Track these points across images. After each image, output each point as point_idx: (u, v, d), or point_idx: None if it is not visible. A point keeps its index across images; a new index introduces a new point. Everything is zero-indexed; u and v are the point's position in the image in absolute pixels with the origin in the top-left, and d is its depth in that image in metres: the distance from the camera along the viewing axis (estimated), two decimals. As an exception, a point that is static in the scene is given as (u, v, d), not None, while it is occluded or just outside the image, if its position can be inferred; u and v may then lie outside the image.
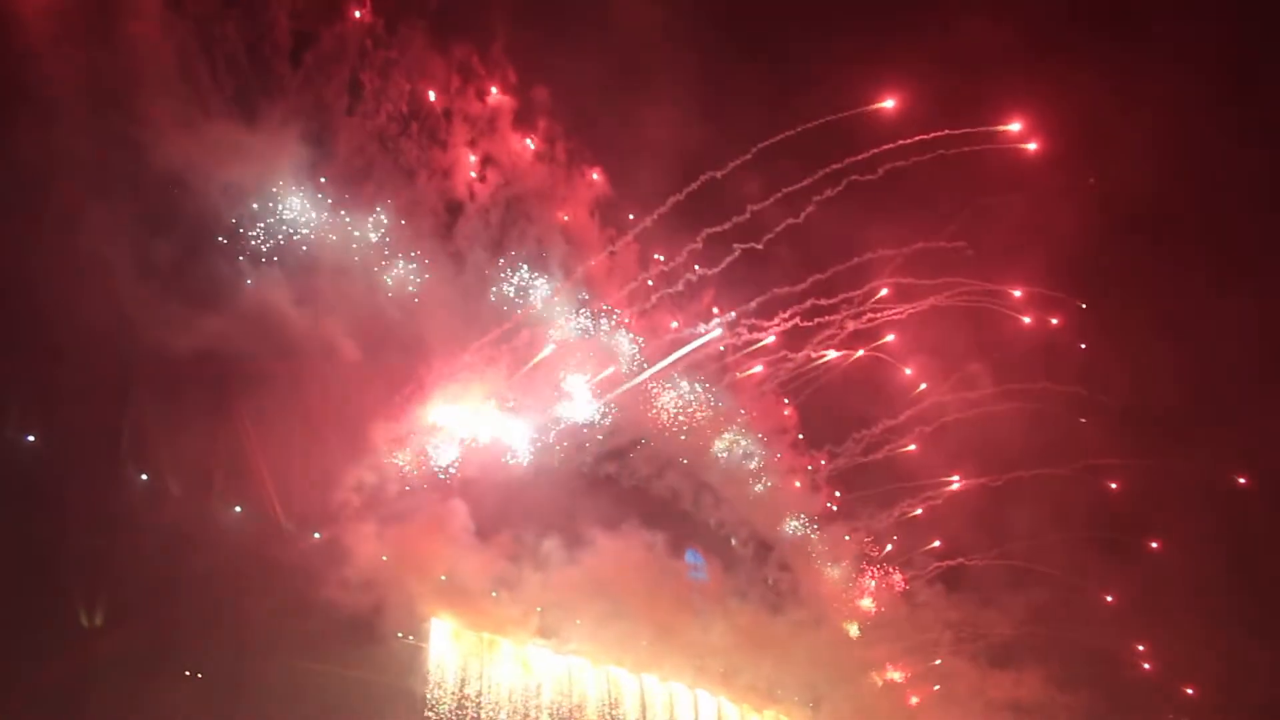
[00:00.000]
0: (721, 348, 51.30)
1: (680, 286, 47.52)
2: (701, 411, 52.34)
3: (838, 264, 50.17)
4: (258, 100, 39.32)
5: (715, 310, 50.04)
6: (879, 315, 52.39)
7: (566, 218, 46.53)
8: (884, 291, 51.10)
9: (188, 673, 36.77)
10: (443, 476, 42.36)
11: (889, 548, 62.19)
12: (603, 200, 46.37)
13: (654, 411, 50.54)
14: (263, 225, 40.33)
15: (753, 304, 48.83)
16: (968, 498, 62.56)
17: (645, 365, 48.85)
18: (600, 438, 48.16)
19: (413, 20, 41.96)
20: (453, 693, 42.10)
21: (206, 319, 36.43)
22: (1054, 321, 54.77)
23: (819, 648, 54.61)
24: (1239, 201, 57.11)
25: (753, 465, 55.89)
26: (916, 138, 44.86)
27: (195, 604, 36.17)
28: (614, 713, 48.06)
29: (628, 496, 49.75)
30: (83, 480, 35.20)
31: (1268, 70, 53.28)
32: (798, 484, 57.92)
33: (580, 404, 46.46)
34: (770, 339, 51.01)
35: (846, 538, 59.98)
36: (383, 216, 42.48)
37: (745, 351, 51.61)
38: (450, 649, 42.56)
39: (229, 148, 38.04)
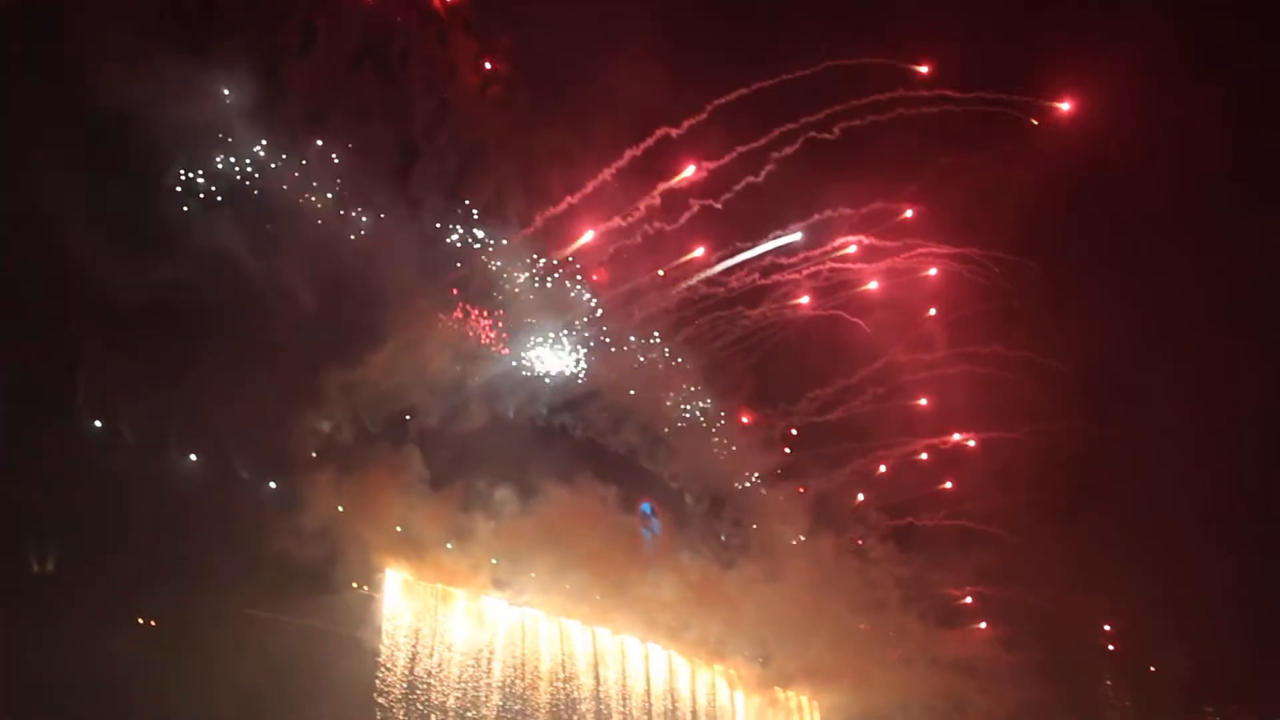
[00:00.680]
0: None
1: (638, 239, 48.82)
2: (657, 366, 53.81)
3: (796, 222, 51.96)
4: (208, 39, 39.65)
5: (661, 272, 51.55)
6: (836, 274, 54.18)
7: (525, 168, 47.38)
8: (852, 248, 52.61)
9: (140, 620, 37.66)
10: (398, 426, 43.38)
11: (842, 506, 64.50)
12: (564, 151, 47.21)
13: (611, 365, 51.85)
14: (212, 167, 40.82)
15: (713, 259, 50.28)
16: (918, 459, 65.31)
17: (602, 317, 50.28)
18: (555, 390, 49.42)
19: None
20: (406, 643, 43.36)
21: (156, 262, 36.82)
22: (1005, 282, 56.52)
23: (769, 604, 56.65)
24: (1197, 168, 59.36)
25: (706, 422, 57.61)
26: (872, 97, 46.58)
27: (148, 552, 36.84)
28: (567, 665, 49.83)
29: (582, 449, 51.30)
30: (32, 427, 35.43)
31: (1223, 41, 55.70)
32: (752, 441, 59.85)
33: (537, 354, 47.69)
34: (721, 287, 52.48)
35: (799, 492, 62.08)
36: (336, 160, 43.03)
37: (700, 303, 53.10)
38: (404, 600, 43.74)
39: (178, 87, 38.31)
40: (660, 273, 50.90)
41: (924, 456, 64.91)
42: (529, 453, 47.57)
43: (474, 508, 44.77)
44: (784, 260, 52.61)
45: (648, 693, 54.45)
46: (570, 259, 49.65)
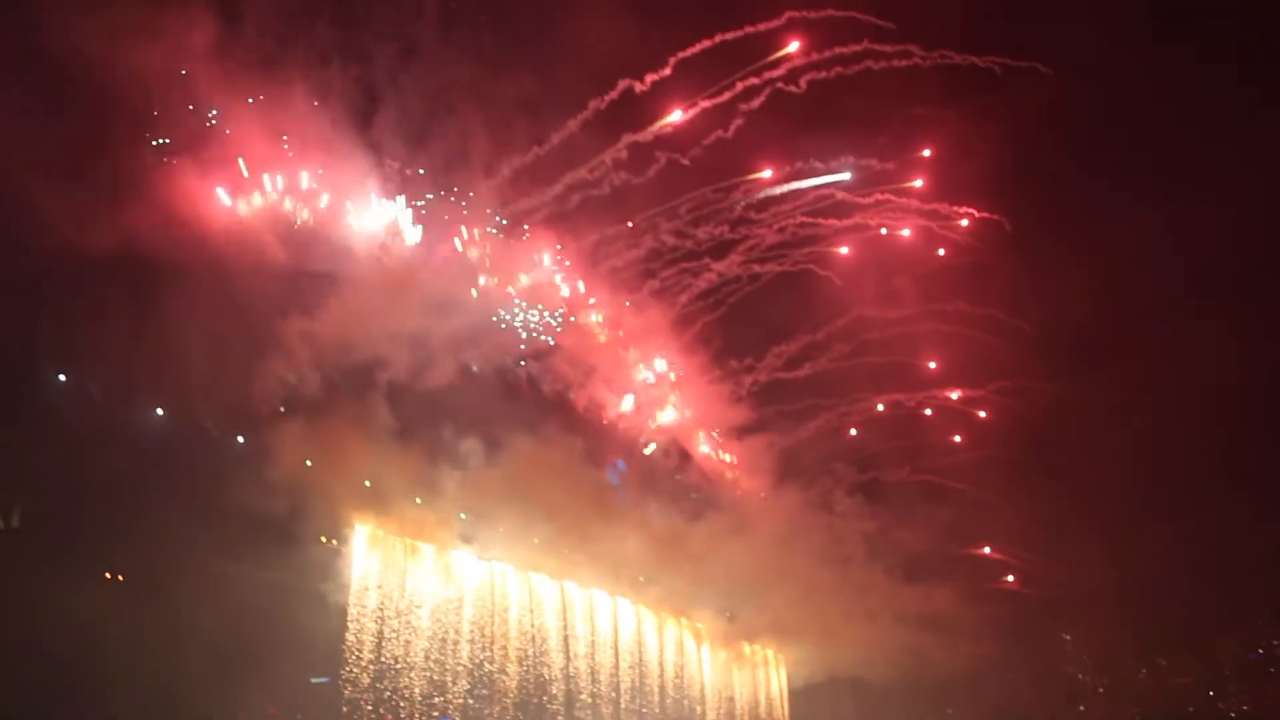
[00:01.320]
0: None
1: (606, 190, 49.59)
2: (623, 318, 54.80)
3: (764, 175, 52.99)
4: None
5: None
6: (804, 229, 55.28)
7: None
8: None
9: (107, 574, 38.29)
10: (365, 380, 44.08)
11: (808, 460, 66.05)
12: (529, 100, 47.70)
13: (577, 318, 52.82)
14: (171, 112, 40.98)
15: (683, 210, 51.23)
16: (884, 415, 66.96)
17: (565, 270, 51.17)
18: (522, 344, 50.37)
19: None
20: (374, 597, 44.34)
21: (117, 211, 37.05)
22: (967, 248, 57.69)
23: (735, 558, 58.30)
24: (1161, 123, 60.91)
25: (674, 376, 58.79)
26: (835, 49, 47.52)
27: (114, 505, 37.44)
28: (535, 618, 51.21)
29: (550, 404, 52.22)
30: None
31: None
32: (718, 395, 61.15)
33: (504, 307, 48.52)
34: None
35: (766, 446, 63.56)
36: (301, 105, 43.23)
37: (667, 255, 54.08)
38: (372, 554, 44.69)
39: (134, 29, 38.25)
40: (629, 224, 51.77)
41: (880, 409, 66.34)
42: (496, 406, 48.50)
43: (442, 461, 45.62)
44: (753, 215, 53.63)
45: (615, 646, 56.15)
46: (532, 211, 50.35)
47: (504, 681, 48.90)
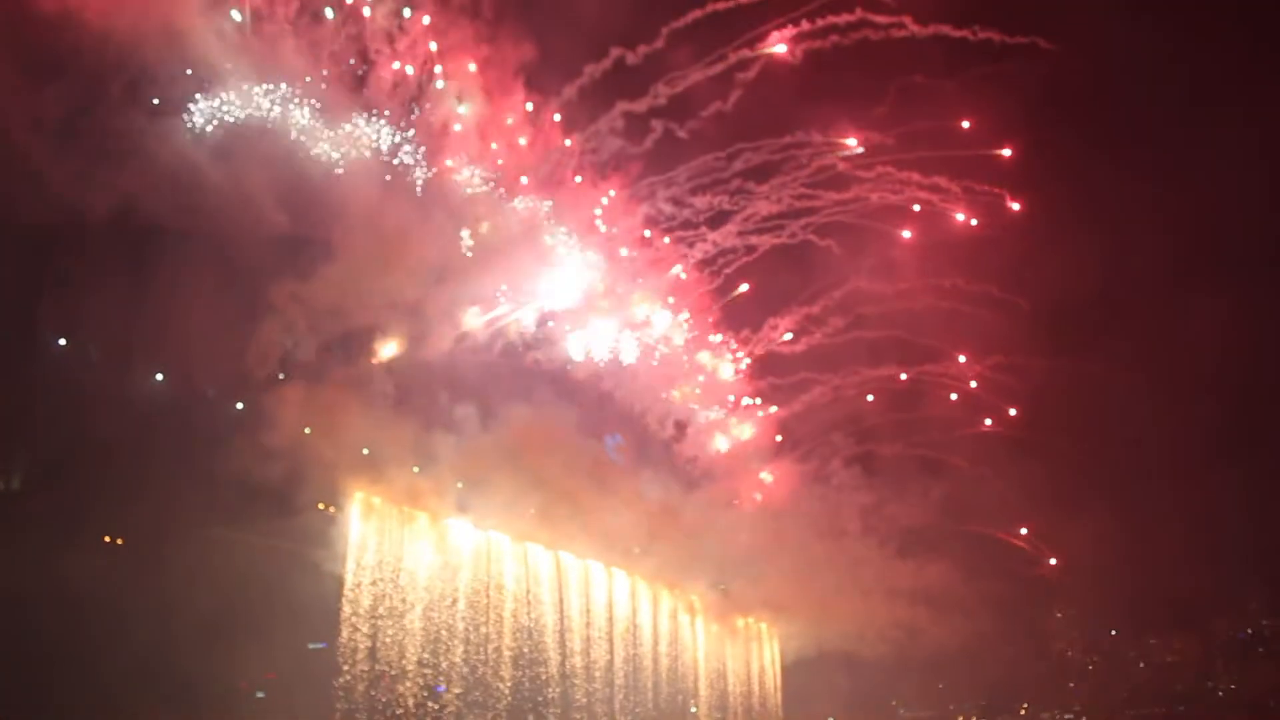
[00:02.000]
0: (647, 233, 54.68)
1: (605, 157, 50.39)
2: (621, 288, 55.62)
3: (766, 145, 53.83)
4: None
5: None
6: (803, 200, 56.02)
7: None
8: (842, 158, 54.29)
9: (106, 538, 39.16)
10: (365, 348, 44.89)
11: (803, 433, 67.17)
12: (528, 65, 48.27)
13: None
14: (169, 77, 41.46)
15: (683, 178, 52.09)
16: (880, 390, 67.99)
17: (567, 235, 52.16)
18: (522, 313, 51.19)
19: None
20: (371, 563, 45.36)
21: (119, 177, 37.63)
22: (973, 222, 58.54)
23: (730, 530, 59.50)
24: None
25: (674, 342, 59.70)
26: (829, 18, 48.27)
27: (114, 470, 38.28)
28: (531, 588, 52.38)
29: (549, 375, 53.02)
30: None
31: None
32: (715, 366, 62.12)
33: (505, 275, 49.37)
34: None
35: (760, 415, 64.62)
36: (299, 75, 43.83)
37: (665, 225, 54.86)
38: (369, 522, 45.68)
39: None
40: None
41: (870, 395, 67.36)
42: (494, 376, 49.34)
43: (440, 430, 46.47)
44: (752, 187, 54.42)
45: (609, 617, 57.43)
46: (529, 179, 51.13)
47: (499, 652, 50.11)
